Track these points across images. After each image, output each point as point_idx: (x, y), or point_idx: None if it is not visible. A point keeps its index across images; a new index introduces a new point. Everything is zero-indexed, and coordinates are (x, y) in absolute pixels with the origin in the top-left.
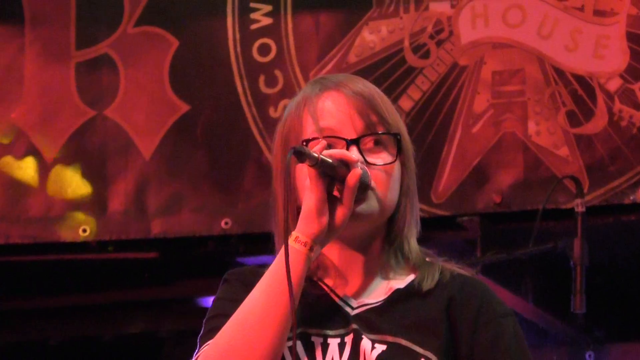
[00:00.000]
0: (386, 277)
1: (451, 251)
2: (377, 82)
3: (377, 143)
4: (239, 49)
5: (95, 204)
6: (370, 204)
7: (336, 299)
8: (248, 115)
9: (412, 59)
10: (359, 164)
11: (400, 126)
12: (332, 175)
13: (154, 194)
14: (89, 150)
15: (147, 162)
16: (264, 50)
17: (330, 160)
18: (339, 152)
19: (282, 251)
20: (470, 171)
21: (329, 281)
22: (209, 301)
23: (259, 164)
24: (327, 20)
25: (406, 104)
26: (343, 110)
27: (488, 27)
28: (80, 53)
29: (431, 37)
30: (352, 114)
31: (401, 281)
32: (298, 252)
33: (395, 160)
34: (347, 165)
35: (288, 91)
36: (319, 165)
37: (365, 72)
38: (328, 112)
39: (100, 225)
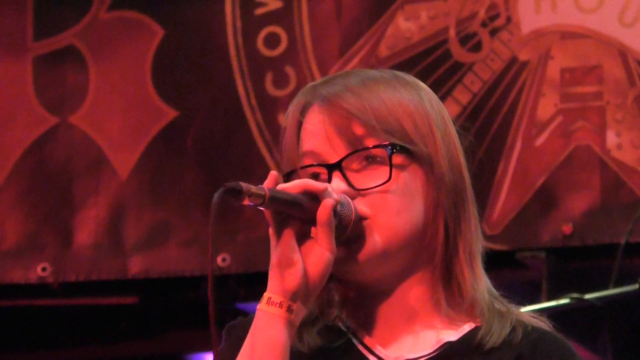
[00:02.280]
0: (434, 325)
1: (509, 295)
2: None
3: (370, 161)
4: (240, 40)
5: (58, 236)
6: (368, 240)
7: (367, 353)
8: (252, 123)
9: (459, 53)
10: (329, 191)
11: (413, 125)
12: (300, 213)
13: (132, 223)
14: (50, 168)
15: (124, 183)
16: (272, 41)
17: (286, 196)
18: (298, 182)
19: (258, 315)
20: (533, 195)
21: (358, 329)
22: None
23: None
24: (351, 3)
25: (451, 109)
26: (319, 130)
27: (556, 13)
28: (39, 45)
29: (483, 24)
30: (331, 133)
31: (454, 331)
32: (273, 316)
33: (389, 179)
34: (316, 197)
35: None
36: (272, 205)
37: (399, 69)
38: (309, 134)
39: (64, 263)
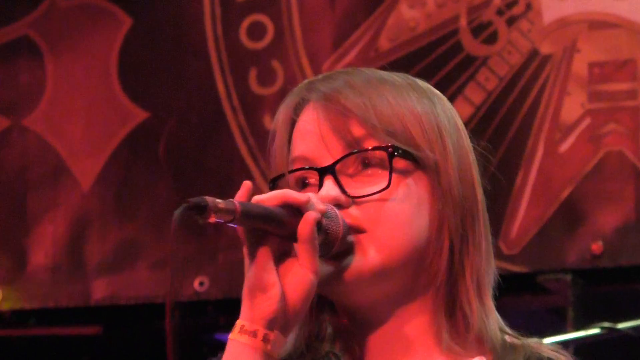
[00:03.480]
0: (436, 359)
1: (530, 324)
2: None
3: (367, 165)
4: (219, 31)
5: (10, 257)
6: (361, 255)
7: None
8: (233, 125)
9: (471, 45)
10: (312, 203)
11: (420, 129)
12: (279, 230)
13: (95, 242)
14: (0, 178)
15: (86, 195)
16: (257, 32)
17: (262, 211)
18: (276, 193)
19: (229, 346)
20: (557, 208)
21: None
22: None
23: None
24: None
25: (463, 109)
26: (314, 129)
27: None
28: None
29: (499, 12)
30: (326, 132)
31: None
32: (246, 346)
33: (387, 186)
34: (297, 210)
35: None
36: (244, 221)
37: (402, 64)
38: (301, 135)
39: (17, 289)
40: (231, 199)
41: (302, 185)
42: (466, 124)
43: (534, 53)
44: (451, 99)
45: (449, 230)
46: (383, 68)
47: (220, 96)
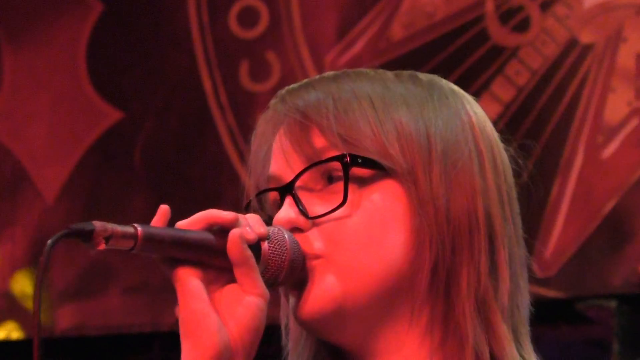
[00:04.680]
0: None
1: (566, 357)
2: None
3: (333, 180)
4: (205, 17)
5: None
6: (319, 284)
7: None
8: (221, 127)
9: (499, 34)
10: (240, 221)
11: (393, 129)
12: (208, 257)
13: (61, 263)
14: None
15: (50, 209)
16: (249, 18)
17: (174, 234)
18: (199, 216)
19: None
20: (600, 224)
21: None
22: None
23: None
24: None
25: (490, 108)
26: (277, 145)
27: None
28: None
29: None
30: (286, 146)
31: None
32: None
33: (343, 201)
34: (225, 231)
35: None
36: (151, 249)
37: (417, 55)
38: (274, 155)
39: None
40: (134, 223)
41: (279, 207)
42: (492, 125)
43: (573, 43)
44: (476, 94)
45: (430, 248)
46: (394, 62)
47: (206, 93)
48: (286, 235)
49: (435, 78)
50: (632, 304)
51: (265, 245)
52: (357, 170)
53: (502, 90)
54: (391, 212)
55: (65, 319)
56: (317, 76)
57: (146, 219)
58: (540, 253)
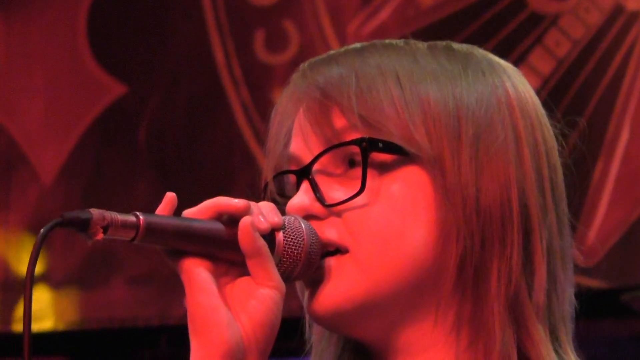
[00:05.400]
0: None
1: (612, 355)
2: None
3: (354, 164)
4: None
5: None
6: (340, 280)
7: None
8: (234, 103)
9: (537, 0)
10: (252, 209)
11: (420, 110)
12: (218, 248)
13: (60, 250)
14: None
15: (48, 191)
16: None
17: (179, 224)
18: (208, 204)
19: None
20: None
21: None
22: None
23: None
24: None
25: (528, 81)
26: (298, 129)
27: None
28: None
29: None
30: (305, 126)
31: None
32: None
33: (361, 189)
34: (235, 221)
35: (309, 58)
36: (154, 239)
37: (449, 24)
38: (294, 135)
39: None
40: (136, 212)
41: (291, 192)
42: (538, 101)
43: (618, 10)
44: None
45: (457, 242)
46: (422, 32)
47: (218, 66)
48: (303, 225)
49: (474, 49)
50: None
51: (280, 235)
52: (377, 155)
53: (541, 63)
54: (414, 202)
55: (65, 312)
56: (342, 48)
57: (150, 204)
58: (581, 240)
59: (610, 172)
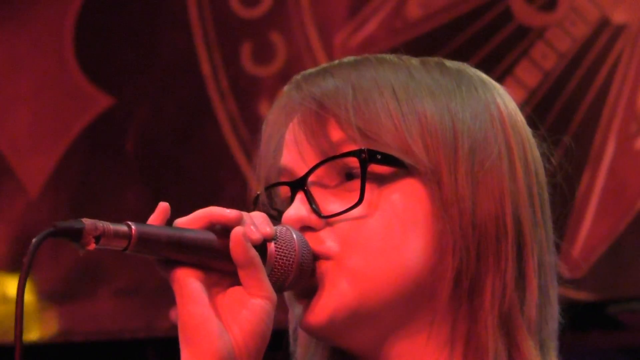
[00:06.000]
0: None
1: None
2: (457, 59)
3: (351, 177)
4: None
5: None
6: (332, 289)
7: None
8: (221, 114)
9: (524, 13)
10: (244, 220)
11: (417, 123)
12: (209, 258)
13: (46, 263)
14: None
15: (34, 203)
16: None
17: (171, 233)
18: (200, 213)
19: None
20: (633, 219)
21: None
22: None
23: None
24: None
25: (513, 94)
26: (291, 135)
27: None
28: None
29: None
30: (300, 138)
31: None
32: None
33: (360, 201)
34: (228, 231)
35: (295, 71)
36: (146, 249)
37: (436, 36)
38: (286, 145)
39: None
40: (128, 221)
41: (291, 203)
42: (524, 119)
43: (604, 23)
44: (498, 81)
45: (453, 255)
46: (410, 44)
47: (205, 78)
48: (295, 236)
49: (464, 67)
50: None
51: (271, 246)
52: (376, 167)
53: (527, 75)
54: (411, 215)
55: (51, 324)
56: (336, 62)
57: (139, 215)
58: (567, 252)
59: (596, 184)
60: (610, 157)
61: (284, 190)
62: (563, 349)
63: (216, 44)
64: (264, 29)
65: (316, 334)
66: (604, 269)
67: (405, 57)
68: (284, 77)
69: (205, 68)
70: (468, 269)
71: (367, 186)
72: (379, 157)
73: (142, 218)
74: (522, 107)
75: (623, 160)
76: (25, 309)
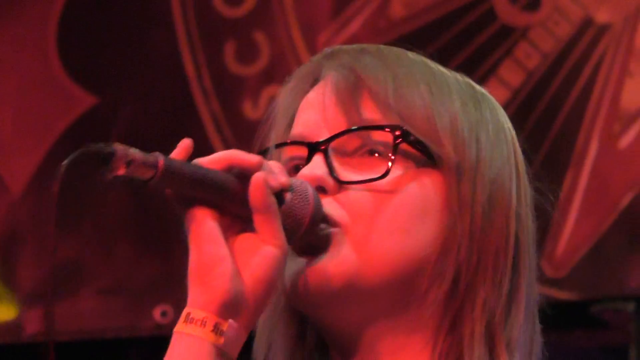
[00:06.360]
0: None
1: None
2: (441, 59)
3: (374, 153)
4: None
5: None
6: (336, 253)
7: None
8: (205, 114)
9: (507, 13)
10: (265, 165)
11: (448, 120)
12: (224, 199)
13: (28, 262)
14: None
15: (17, 203)
16: None
17: (195, 172)
18: (221, 154)
19: (174, 341)
20: (616, 219)
21: None
22: None
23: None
24: None
25: (497, 93)
26: (317, 100)
27: None
28: None
29: None
30: (329, 104)
31: None
32: (194, 340)
33: (385, 174)
34: (248, 177)
35: (279, 70)
36: (170, 182)
37: (419, 36)
38: (304, 107)
39: None
40: (155, 152)
41: (296, 171)
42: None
43: (587, 23)
44: (482, 80)
45: (457, 253)
46: (394, 43)
47: (189, 77)
48: (309, 190)
49: (465, 77)
50: None
51: (288, 195)
52: (405, 147)
53: (511, 75)
54: (427, 204)
55: (33, 323)
56: (372, 46)
57: (122, 217)
58: (551, 252)
59: (579, 184)
60: (593, 156)
61: (293, 154)
62: (545, 348)
63: (200, 44)
64: (247, 29)
65: (309, 297)
66: (587, 268)
67: (432, 62)
68: (267, 76)
69: (189, 68)
70: (468, 272)
71: (393, 164)
72: (411, 138)
73: (124, 221)
74: (505, 107)
75: (606, 160)
76: (8, 308)
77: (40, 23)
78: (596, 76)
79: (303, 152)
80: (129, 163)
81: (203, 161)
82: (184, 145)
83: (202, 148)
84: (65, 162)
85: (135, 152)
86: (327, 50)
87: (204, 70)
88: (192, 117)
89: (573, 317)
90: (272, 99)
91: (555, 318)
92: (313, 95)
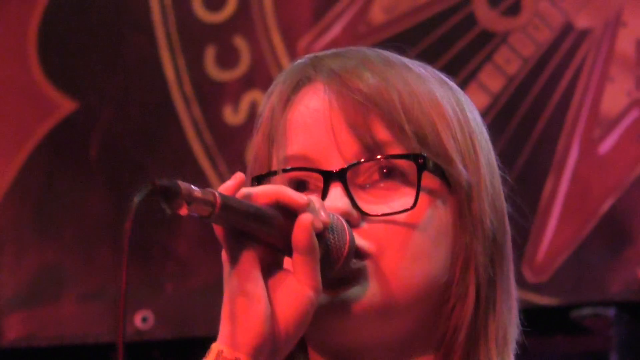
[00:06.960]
0: None
1: None
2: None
3: (389, 176)
4: (168, 0)
5: None
6: (366, 286)
7: None
8: (185, 119)
9: (487, 18)
10: (313, 207)
11: (451, 136)
12: (268, 235)
13: (8, 268)
14: None
15: None
16: (215, 0)
17: (248, 208)
18: (270, 189)
19: None
20: (597, 225)
21: None
22: None
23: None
24: None
25: (477, 99)
26: (322, 120)
27: None
28: None
29: None
30: (339, 127)
31: None
32: None
33: (413, 206)
34: (294, 214)
35: (259, 75)
36: (225, 218)
37: (399, 41)
38: (303, 125)
39: None
40: (210, 189)
41: (297, 189)
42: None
43: (568, 28)
44: (463, 85)
45: (475, 271)
46: (375, 46)
47: (168, 82)
48: (346, 228)
49: (450, 80)
50: (631, 312)
51: (328, 235)
52: (426, 176)
53: (491, 80)
54: (442, 226)
55: (13, 329)
56: (374, 57)
57: (102, 222)
58: (531, 257)
59: (560, 189)
60: (574, 161)
61: (297, 177)
62: (527, 354)
63: (180, 49)
64: (227, 34)
65: (339, 327)
66: (568, 273)
67: (409, 61)
68: (248, 81)
69: (169, 73)
70: (483, 288)
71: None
72: (431, 165)
73: (104, 226)
74: (485, 112)
75: (587, 165)
76: None
77: (20, 27)
78: (576, 81)
79: (312, 177)
80: (190, 202)
81: (252, 192)
82: (238, 180)
83: (182, 153)
84: (136, 198)
85: (195, 191)
86: (307, 56)
87: (184, 75)
88: (173, 122)
89: (554, 322)
90: (252, 104)
91: (536, 323)
92: (312, 113)
